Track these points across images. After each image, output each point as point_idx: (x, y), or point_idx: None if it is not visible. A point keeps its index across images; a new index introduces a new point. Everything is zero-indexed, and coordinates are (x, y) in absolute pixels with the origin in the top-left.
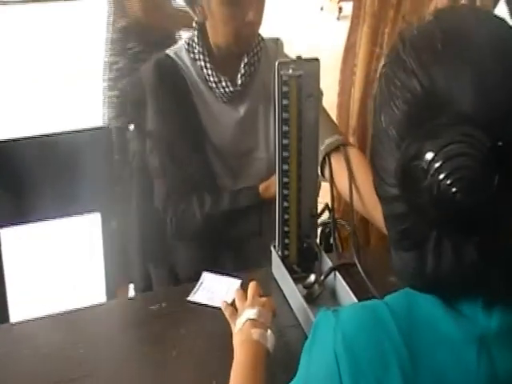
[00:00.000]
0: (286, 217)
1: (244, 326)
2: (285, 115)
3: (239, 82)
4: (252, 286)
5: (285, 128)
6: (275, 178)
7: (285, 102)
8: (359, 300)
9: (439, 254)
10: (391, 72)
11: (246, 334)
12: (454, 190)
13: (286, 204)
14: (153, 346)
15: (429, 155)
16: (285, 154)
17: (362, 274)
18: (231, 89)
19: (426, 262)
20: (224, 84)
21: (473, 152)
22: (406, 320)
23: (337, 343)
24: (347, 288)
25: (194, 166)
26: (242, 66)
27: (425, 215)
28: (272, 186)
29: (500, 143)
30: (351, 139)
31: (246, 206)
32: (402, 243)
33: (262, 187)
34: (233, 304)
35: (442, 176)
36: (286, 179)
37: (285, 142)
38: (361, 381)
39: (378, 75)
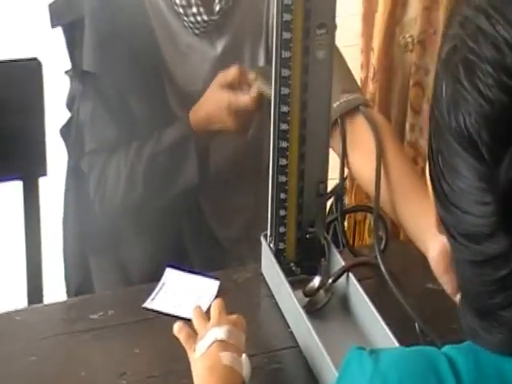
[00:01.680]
0: (283, 196)
1: (210, 349)
2: (285, 54)
3: (217, 8)
4: (216, 302)
5: (284, 72)
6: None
7: (286, 35)
8: (384, 315)
9: None
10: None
11: (212, 358)
12: None
13: (282, 178)
14: (93, 371)
15: None
16: (283, 108)
17: (387, 277)
18: (205, 17)
19: None
20: (195, 10)
21: None
22: (470, 377)
23: None
24: (365, 297)
25: (144, 115)
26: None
27: None
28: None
29: None
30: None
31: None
32: (492, 299)
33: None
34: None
35: None
36: (283, 143)
37: (284, 91)
38: None
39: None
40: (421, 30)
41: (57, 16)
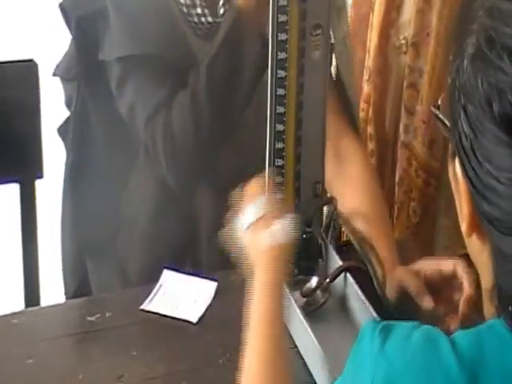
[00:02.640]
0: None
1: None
2: (281, 55)
3: (221, 11)
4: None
5: (280, 73)
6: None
7: (281, 36)
8: (379, 314)
9: None
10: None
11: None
12: None
13: (278, 179)
14: (90, 373)
15: None
16: (279, 109)
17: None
18: (209, 19)
19: None
20: (200, 11)
21: None
22: (473, 358)
23: (376, 379)
24: (362, 297)
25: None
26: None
27: None
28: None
29: None
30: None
31: None
32: None
33: None
34: None
35: None
36: (279, 144)
37: (280, 92)
38: None
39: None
40: (414, 33)
41: (74, 9)
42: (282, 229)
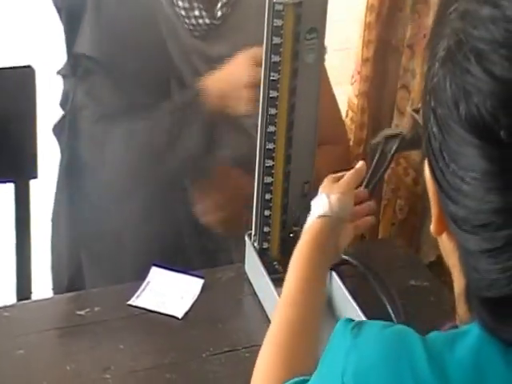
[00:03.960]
0: (268, 197)
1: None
2: (275, 58)
3: (219, 13)
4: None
5: (273, 75)
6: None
7: (276, 40)
8: (365, 313)
9: None
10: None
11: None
12: None
13: (268, 179)
14: (78, 365)
15: None
16: (271, 110)
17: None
18: (207, 21)
19: None
20: (198, 13)
21: None
22: (444, 357)
23: (346, 373)
24: (347, 295)
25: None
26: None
27: None
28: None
29: None
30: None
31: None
32: (509, 285)
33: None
34: None
35: None
36: (270, 145)
37: (272, 94)
38: None
39: None
40: (411, 34)
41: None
42: (337, 201)
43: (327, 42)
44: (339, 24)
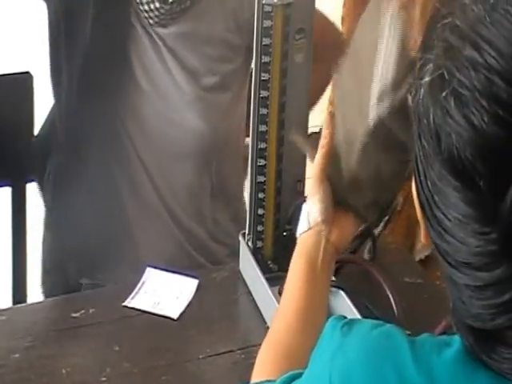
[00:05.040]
0: (261, 196)
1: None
2: (265, 59)
3: (169, 6)
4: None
5: (264, 76)
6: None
7: (265, 41)
8: (362, 311)
9: None
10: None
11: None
12: None
13: (261, 178)
14: (74, 367)
15: None
16: (262, 110)
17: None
18: (159, 6)
19: None
20: (147, 2)
21: None
22: (431, 361)
23: (333, 370)
24: (343, 294)
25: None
26: None
27: None
28: None
29: None
30: None
31: None
32: (493, 320)
33: None
34: None
35: None
36: (262, 144)
37: (263, 94)
38: None
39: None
40: None
41: None
42: (311, 209)
43: None
44: None
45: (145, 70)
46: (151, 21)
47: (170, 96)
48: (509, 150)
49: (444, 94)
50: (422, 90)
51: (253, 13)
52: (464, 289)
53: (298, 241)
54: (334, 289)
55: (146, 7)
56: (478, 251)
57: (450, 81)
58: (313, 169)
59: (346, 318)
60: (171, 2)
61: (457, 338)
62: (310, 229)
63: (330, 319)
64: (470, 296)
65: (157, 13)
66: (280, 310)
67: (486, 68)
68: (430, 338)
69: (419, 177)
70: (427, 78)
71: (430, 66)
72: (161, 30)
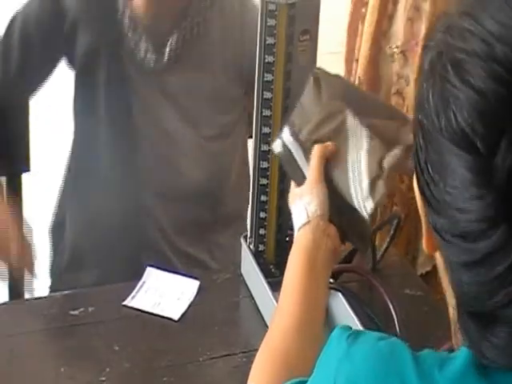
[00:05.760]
0: (264, 198)
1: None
2: (268, 59)
3: (166, 57)
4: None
5: (267, 77)
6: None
7: (269, 40)
8: (361, 321)
9: None
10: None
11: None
12: None
13: (263, 181)
14: (72, 367)
15: None
16: (266, 112)
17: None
18: (154, 58)
19: None
20: (143, 52)
21: None
22: (433, 377)
23: (339, 377)
24: (344, 302)
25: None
26: (172, 39)
27: None
28: None
29: None
30: None
31: None
32: (491, 299)
33: None
34: None
35: None
36: (265, 147)
37: (266, 95)
38: None
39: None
40: (404, 41)
41: None
42: (310, 203)
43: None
44: (332, 26)
45: (144, 114)
46: (149, 70)
47: (170, 143)
48: (504, 105)
49: (443, 63)
50: (422, 78)
51: (254, 62)
52: (461, 269)
53: (297, 235)
54: (332, 291)
55: (143, 55)
56: (476, 217)
57: (447, 51)
58: (309, 170)
59: (351, 328)
60: (168, 52)
61: (460, 354)
62: (308, 222)
63: (335, 329)
64: (469, 276)
65: (152, 64)
66: (279, 309)
67: (483, 32)
68: (432, 353)
69: (419, 165)
70: (426, 66)
71: (429, 53)
72: (159, 79)
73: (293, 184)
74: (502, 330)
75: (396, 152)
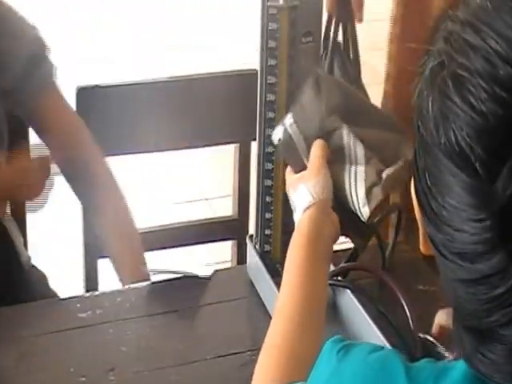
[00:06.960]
0: (269, 199)
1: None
2: (271, 61)
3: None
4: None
5: (270, 79)
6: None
7: (271, 43)
8: (372, 318)
9: None
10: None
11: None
12: None
13: (268, 182)
14: (81, 367)
15: None
16: (269, 114)
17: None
18: None
19: None
20: None
21: None
22: None
23: None
24: (356, 302)
25: None
26: None
27: None
28: None
29: None
30: None
31: None
32: (488, 317)
33: None
34: None
35: None
36: (269, 148)
37: (270, 97)
38: None
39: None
40: None
41: None
42: (315, 185)
43: (365, 42)
44: (377, 24)
45: None
46: None
47: None
48: (506, 130)
49: (443, 77)
50: (422, 83)
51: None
52: (460, 285)
53: (301, 217)
54: (341, 288)
55: None
56: (474, 239)
57: (449, 64)
58: (313, 157)
59: (343, 340)
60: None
61: (458, 365)
62: (314, 203)
63: (328, 341)
64: (466, 292)
65: None
66: (281, 300)
67: (486, 49)
68: (429, 363)
69: (417, 172)
70: (427, 73)
71: (430, 59)
72: None
73: (289, 170)
74: (499, 348)
75: (396, 167)
